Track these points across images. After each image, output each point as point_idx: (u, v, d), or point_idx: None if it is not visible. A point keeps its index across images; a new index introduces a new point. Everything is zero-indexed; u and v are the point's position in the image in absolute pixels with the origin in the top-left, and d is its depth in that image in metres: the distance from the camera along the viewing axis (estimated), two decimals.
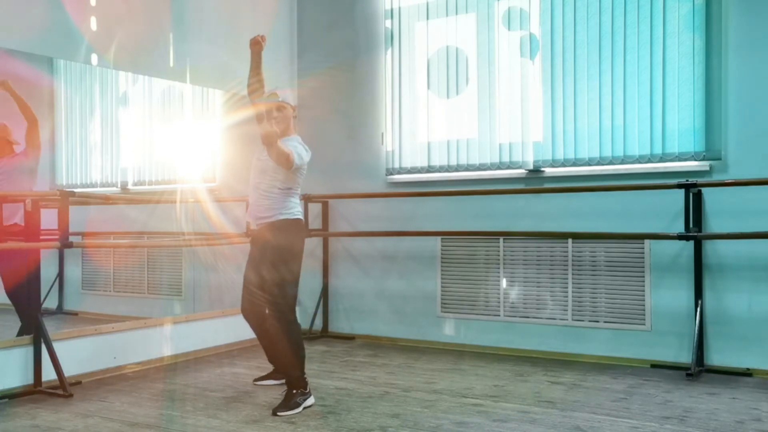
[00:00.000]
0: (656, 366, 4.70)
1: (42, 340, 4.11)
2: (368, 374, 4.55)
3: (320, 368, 4.72)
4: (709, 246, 4.62)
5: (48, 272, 5.00)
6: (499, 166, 5.35)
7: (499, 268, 5.35)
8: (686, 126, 4.69)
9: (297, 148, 3.74)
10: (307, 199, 5.81)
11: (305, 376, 3.78)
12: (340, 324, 6.08)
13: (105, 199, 5.92)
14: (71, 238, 4.23)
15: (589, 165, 5.00)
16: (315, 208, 6.03)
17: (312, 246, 6.12)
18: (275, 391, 4.08)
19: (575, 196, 5.03)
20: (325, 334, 6.02)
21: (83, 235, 6.10)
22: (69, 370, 4.20)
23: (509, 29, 5.33)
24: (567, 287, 5.09)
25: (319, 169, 5.90)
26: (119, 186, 6.75)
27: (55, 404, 3.82)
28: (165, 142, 6.71)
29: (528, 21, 5.25)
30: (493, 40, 5.39)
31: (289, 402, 3.66)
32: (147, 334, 4.90)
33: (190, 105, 6.51)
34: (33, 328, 4.16)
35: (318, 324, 6.05)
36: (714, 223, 4.62)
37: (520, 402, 3.83)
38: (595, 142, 4.98)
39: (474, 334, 5.44)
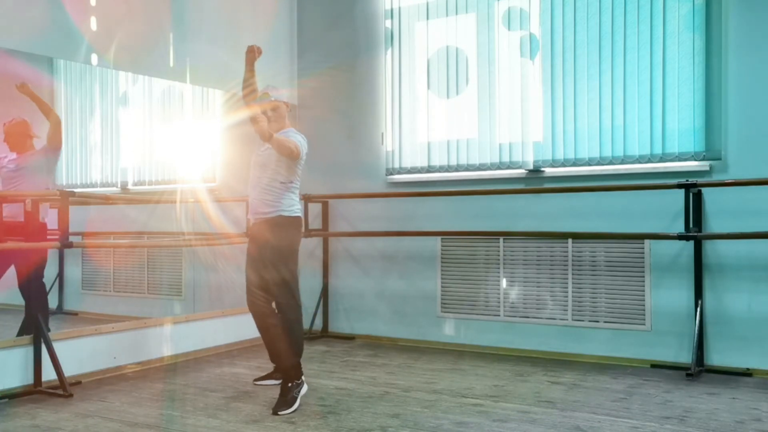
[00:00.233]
0: (656, 366, 4.70)
1: (42, 340, 4.11)
2: (368, 374, 4.55)
3: (320, 368, 4.72)
4: (709, 246, 4.62)
5: (48, 272, 4.99)
6: (499, 166, 5.35)
7: (499, 268, 5.35)
8: (686, 126, 4.69)
9: (296, 137, 3.89)
10: (307, 199, 5.81)
11: (300, 363, 3.87)
12: (340, 324, 6.08)
13: (105, 199, 5.91)
14: (71, 238, 4.23)
15: (589, 165, 5.00)
16: (315, 208, 6.03)
17: (312, 246, 6.12)
18: (275, 391, 4.06)
19: (575, 196, 5.04)
20: (325, 334, 6.03)
21: (83, 235, 6.10)
22: (69, 370, 4.20)
23: (509, 29, 5.33)
24: (567, 287, 5.09)
25: (319, 169, 5.92)
26: (119, 186, 6.75)
27: (55, 404, 3.83)
28: (165, 142, 6.71)
29: (528, 21, 5.25)
30: (493, 40, 5.39)
31: (286, 397, 3.70)
32: (147, 334, 4.90)
33: (190, 105, 6.51)
34: (36, 328, 4.16)
35: (318, 324, 6.06)
36: (714, 223, 4.62)
37: (520, 402, 3.83)
38: (595, 142, 4.98)
39: (474, 334, 5.44)
